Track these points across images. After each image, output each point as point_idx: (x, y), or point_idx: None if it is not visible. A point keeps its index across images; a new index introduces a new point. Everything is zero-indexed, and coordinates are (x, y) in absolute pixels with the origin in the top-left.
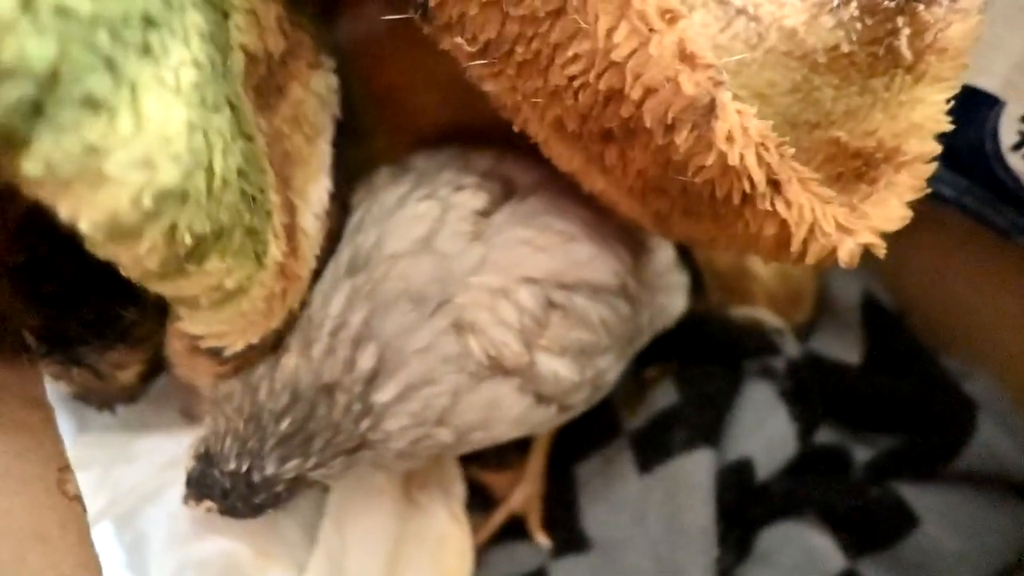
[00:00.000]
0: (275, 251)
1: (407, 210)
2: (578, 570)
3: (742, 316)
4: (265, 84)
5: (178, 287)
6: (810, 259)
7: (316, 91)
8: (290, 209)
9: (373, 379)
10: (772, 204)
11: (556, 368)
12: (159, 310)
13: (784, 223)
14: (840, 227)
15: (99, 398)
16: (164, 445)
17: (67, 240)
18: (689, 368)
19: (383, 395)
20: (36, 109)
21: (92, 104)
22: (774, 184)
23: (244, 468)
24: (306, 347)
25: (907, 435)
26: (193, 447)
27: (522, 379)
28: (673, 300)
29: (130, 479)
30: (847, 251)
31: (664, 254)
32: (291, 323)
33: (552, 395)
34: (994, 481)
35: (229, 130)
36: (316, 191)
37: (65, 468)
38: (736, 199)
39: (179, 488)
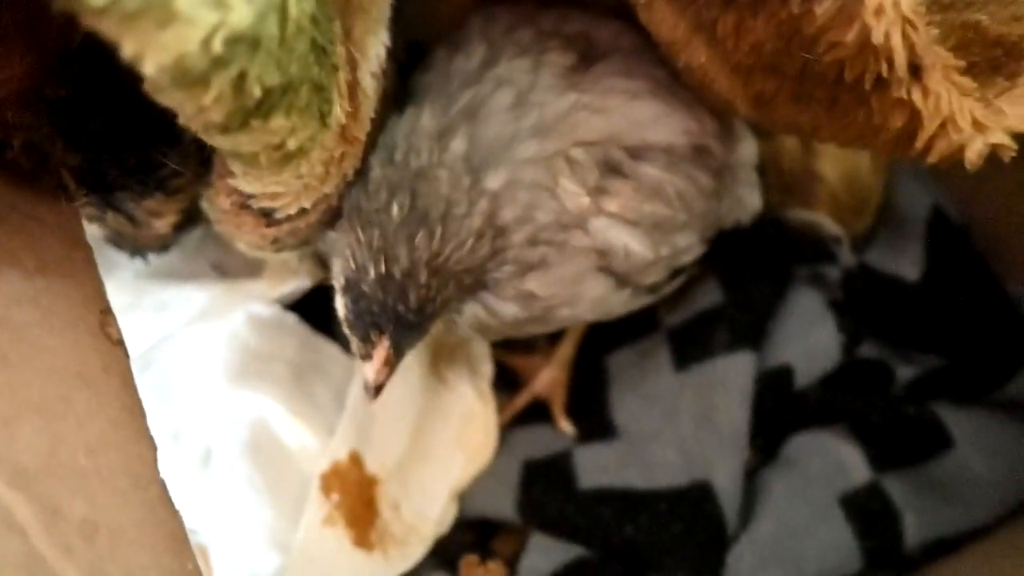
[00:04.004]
0: (339, 111)
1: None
2: (603, 457)
3: (800, 220)
4: None
5: (238, 143)
6: (933, 156)
7: None
8: (352, 65)
9: (474, 165)
10: (908, 92)
11: (627, 241)
12: (201, 161)
13: (916, 114)
14: (975, 124)
15: (132, 244)
16: (195, 296)
17: (113, 79)
18: (736, 269)
19: (492, 181)
20: None
21: None
22: (914, 69)
23: (383, 267)
24: (387, 157)
25: (954, 358)
26: (336, 288)
27: (597, 254)
28: (751, 196)
29: (162, 328)
30: (976, 151)
31: (749, 145)
32: (343, 192)
33: (625, 272)
34: None
35: None
36: (374, 45)
37: (106, 311)
38: (868, 84)
39: (209, 340)
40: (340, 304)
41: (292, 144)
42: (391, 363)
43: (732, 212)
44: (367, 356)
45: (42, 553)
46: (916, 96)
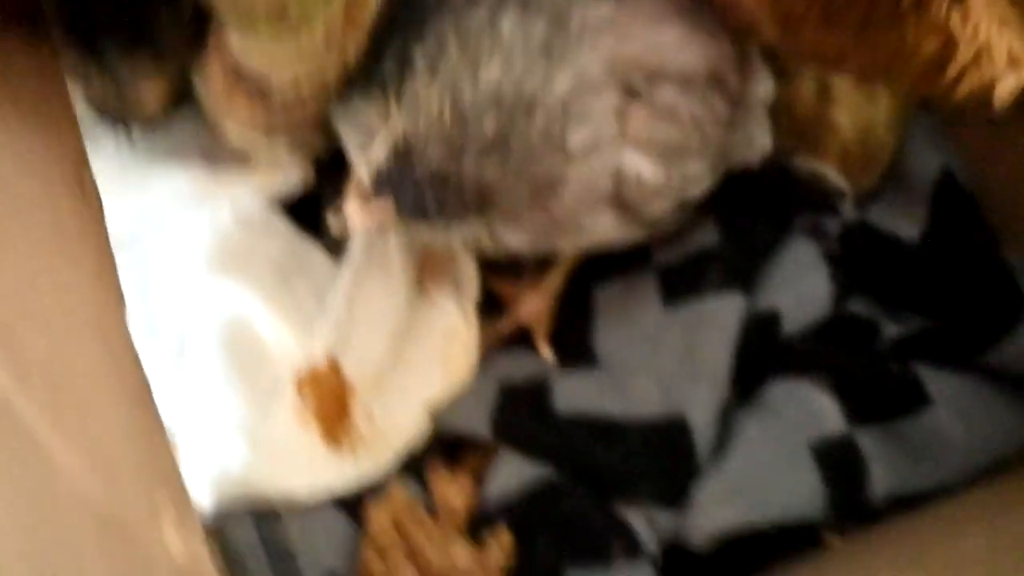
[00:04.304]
0: None
1: None
2: (581, 384)
3: (806, 169)
4: None
5: None
6: (962, 90)
7: None
8: None
9: (567, 116)
10: (947, 15)
11: (639, 167)
12: (197, 26)
13: (950, 41)
14: (1011, 58)
15: (117, 114)
16: (180, 181)
17: None
18: (735, 212)
19: (575, 140)
20: None
21: None
22: None
23: (444, 167)
24: (507, 63)
25: (942, 320)
26: (389, 143)
27: (611, 180)
28: (762, 135)
29: (142, 205)
30: (1007, 88)
31: (765, 82)
32: (343, 79)
33: (633, 201)
34: (1018, 381)
35: None
36: None
37: (82, 163)
38: (906, 3)
39: (192, 228)
40: (380, 153)
41: (293, 11)
42: (379, 225)
43: (742, 149)
44: (363, 200)
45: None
46: (955, 20)
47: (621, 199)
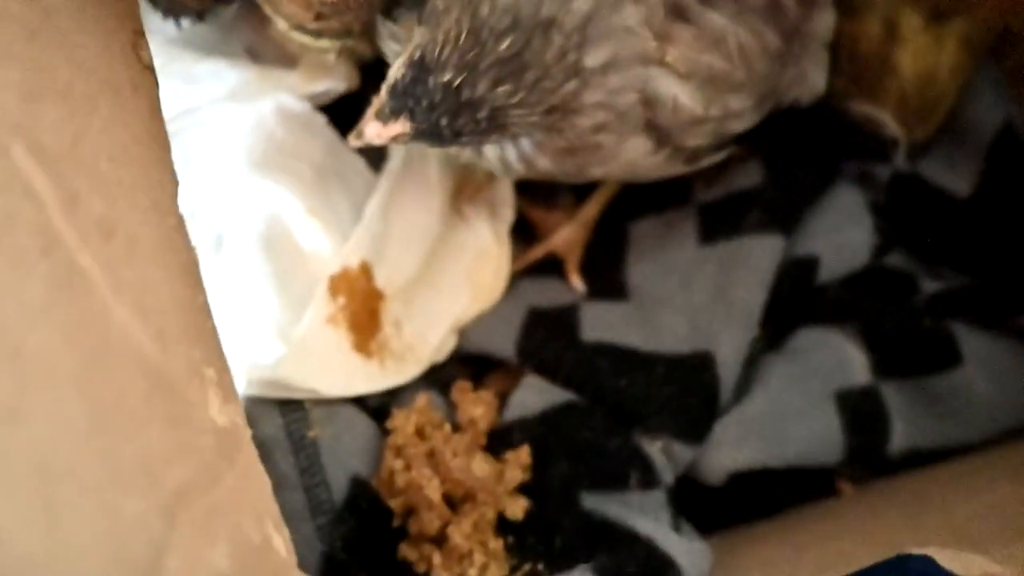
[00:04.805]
0: None
1: None
2: (610, 315)
3: (861, 113)
4: None
5: None
6: None
7: None
8: None
9: (584, 36)
10: None
11: (676, 92)
12: None
13: None
14: None
15: (167, 2)
16: (226, 75)
17: None
18: (782, 152)
19: (592, 60)
20: None
21: None
22: None
23: (458, 81)
24: None
25: (982, 279)
26: (405, 54)
27: (643, 106)
28: (817, 73)
29: (187, 99)
30: None
31: (828, 16)
32: None
33: (668, 129)
34: None
35: None
36: None
37: (140, 32)
38: None
39: (235, 123)
40: (396, 69)
41: None
42: (393, 140)
43: (793, 86)
44: (380, 115)
45: (59, 228)
46: None
47: (655, 124)
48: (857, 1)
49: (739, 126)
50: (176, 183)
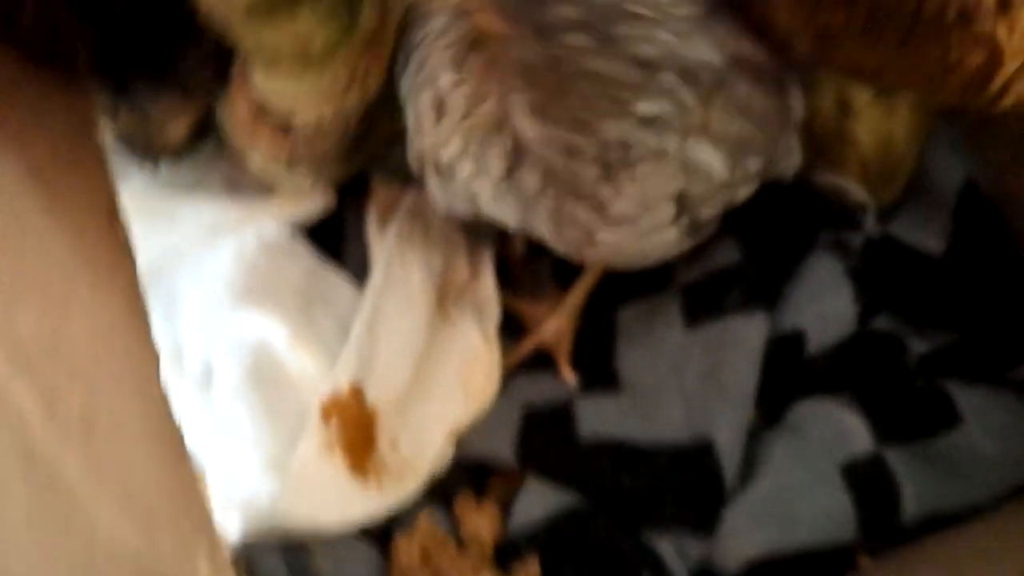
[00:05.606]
0: (368, 17)
1: None
2: (605, 408)
3: (827, 183)
4: None
5: (262, 37)
6: (1008, 100)
7: None
8: None
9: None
10: (993, 26)
11: (711, 160)
12: (220, 64)
13: (996, 52)
14: None
15: (144, 148)
16: (205, 211)
17: None
18: (757, 228)
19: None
20: None
21: None
22: (1003, 3)
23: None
24: None
25: (970, 335)
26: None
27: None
28: (795, 151)
29: (170, 239)
30: None
31: (798, 95)
32: (362, 115)
33: (698, 196)
34: None
35: None
36: None
37: (112, 202)
38: (950, 16)
39: (217, 258)
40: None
41: (317, 44)
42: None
43: (783, 156)
44: None
45: (38, 439)
46: (1001, 31)
47: (686, 194)
48: (810, 81)
49: (745, 193)
50: (157, 356)
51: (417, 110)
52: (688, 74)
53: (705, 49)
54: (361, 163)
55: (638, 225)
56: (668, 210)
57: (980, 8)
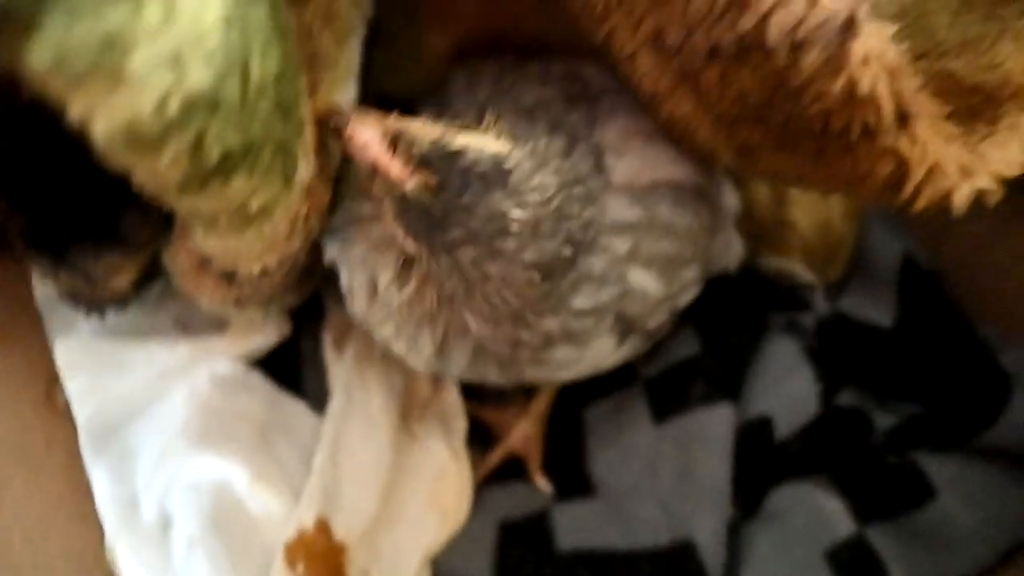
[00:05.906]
0: (304, 170)
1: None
2: (581, 515)
3: (773, 267)
4: None
5: (196, 205)
6: (921, 202)
7: None
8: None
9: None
10: (895, 141)
11: (645, 283)
12: (162, 219)
13: (903, 163)
14: (961, 169)
15: (88, 301)
16: (156, 354)
17: (64, 136)
18: (712, 318)
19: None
20: None
21: None
22: (901, 118)
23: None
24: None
25: (933, 405)
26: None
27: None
28: (735, 244)
29: (120, 389)
30: (963, 196)
31: (731, 192)
32: (308, 249)
33: (637, 316)
34: (1019, 458)
35: (267, 26)
36: (342, 99)
37: (54, 380)
38: (854, 133)
39: (170, 401)
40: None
41: (255, 205)
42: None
43: (722, 255)
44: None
45: None
46: (903, 145)
47: (624, 317)
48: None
49: (687, 297)
50: (100, 528)
51: (351, 281)
52: (616, 230)
53: (618, 207)
54: (313, 287)
55: (582, 360)
56: (611, 337)
57: (882, 124)
